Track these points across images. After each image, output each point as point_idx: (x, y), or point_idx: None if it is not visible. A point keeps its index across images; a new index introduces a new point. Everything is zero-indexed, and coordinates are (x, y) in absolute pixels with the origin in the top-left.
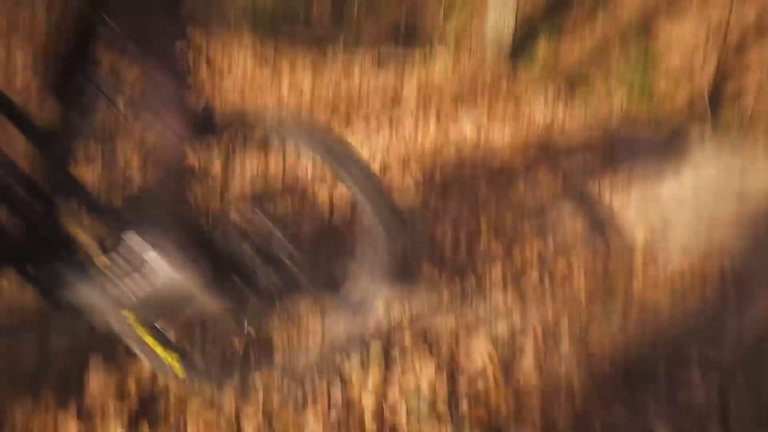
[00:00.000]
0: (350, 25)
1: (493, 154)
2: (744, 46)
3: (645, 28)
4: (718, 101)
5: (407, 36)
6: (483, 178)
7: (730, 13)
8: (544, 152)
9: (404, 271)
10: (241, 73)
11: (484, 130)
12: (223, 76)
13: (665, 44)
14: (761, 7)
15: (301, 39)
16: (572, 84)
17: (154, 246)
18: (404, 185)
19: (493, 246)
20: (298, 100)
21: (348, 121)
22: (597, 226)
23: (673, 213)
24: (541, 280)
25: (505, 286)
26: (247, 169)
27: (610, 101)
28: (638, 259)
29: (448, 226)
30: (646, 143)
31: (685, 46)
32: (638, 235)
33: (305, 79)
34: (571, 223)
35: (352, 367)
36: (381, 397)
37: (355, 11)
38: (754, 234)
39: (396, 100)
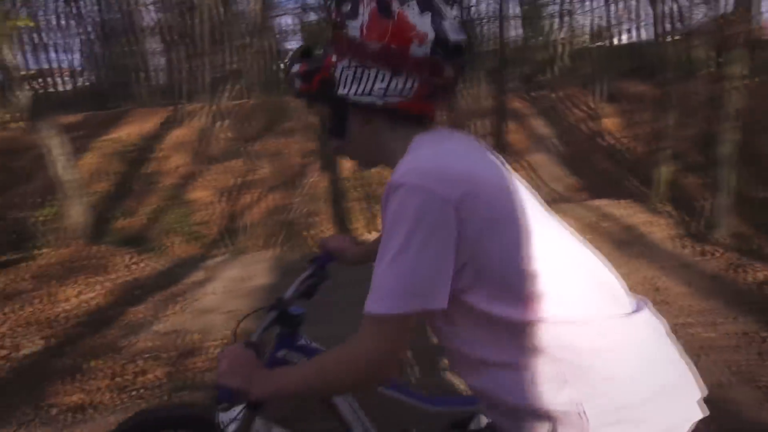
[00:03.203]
0: None
1: (88, 310)
2: (237, 200)
3: (181, 196)
4: (231, 235)
5: (19, 241)
6: (84, 327)
7: (225, 181)
8: (124, 302)
9: None
10: None
11: (82, 293)
12: None
13: (196, 204)
14: (241, 174)
15: None
16: (142, 243)
17: None
18: (32, 343)
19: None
20: None
21: None
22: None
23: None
24: None
25: None
26: None
27: (173, 248)
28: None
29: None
30: (192, 267)
31: (206, 203)
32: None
33: None
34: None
35: None
36: None
37: None
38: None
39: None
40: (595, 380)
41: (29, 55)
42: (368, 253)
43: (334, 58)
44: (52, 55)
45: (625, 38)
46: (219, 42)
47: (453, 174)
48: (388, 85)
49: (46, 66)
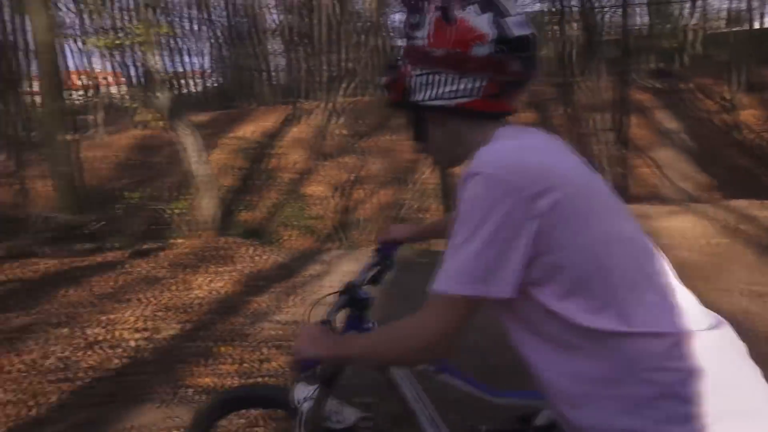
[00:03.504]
0: (120, 233)
1: (218, 298)
2: (350, 195)
3: (298, 191)
4: (344, 229)
5: (157, 231)
6: (214, 314)
7: (339, 177)
8: (249, 292)
9: None
10: None
11: (213, 282)
12: None
13: (311, 199)
14: (354, 170)
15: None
16: (262, 236)
17: None
18: (170, 326)
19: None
20: None
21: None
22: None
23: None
24: None
25: None
26: None
27: (290, 241)
28: None
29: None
30: (309, 260)
31: (320, 198)
32: None
33: None
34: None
35: None
36: None
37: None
38: None
39: (155, 280)
40: (659, 396)
41: (167, 59)
42: (425, 231)
43: (408, 68)
44: (185, 58)
45: None
46: (335, 41)
47: (532, 168)
48: (456, 87)
49: (180, 69)
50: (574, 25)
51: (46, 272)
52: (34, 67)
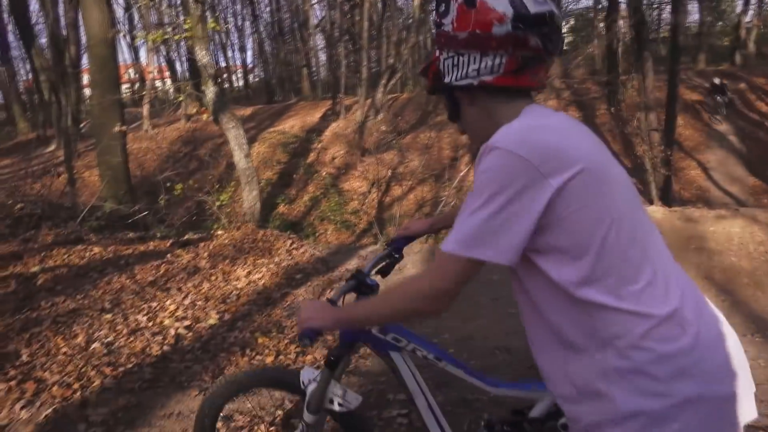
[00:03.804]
0: (164, 223)
1: (256, 289)
2: (388, 191)
3: (336, 186)
4: (381, 225)
5: (198, 222)
6: (253, 305)
7: (377, 172)
8: (287, 284)
9: None
10: None
11: (251, 273)
12: None
13: (349, 194)
14: (392, 166)
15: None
16: (300, 229)
17: None
18: (207, 315)
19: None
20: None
21: (166, 288)
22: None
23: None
24: None
25: None
26: None
27: (326, 235)
28: None
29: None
30: (346, 254)
31: (358, 194)
32: None
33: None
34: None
35: None
36: None
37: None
38: None
39: (196, 270)
40: (651, 375)
41: (213, 54)
42: (441, 221)
43: (438, 53)
44: (230, 53)
45: None
46: (377, 37)
47: (548, 147)
48: (479, 66)
49: (224, 64)
50: (623, 21)
51: (92, 259)
52: (84, 61)
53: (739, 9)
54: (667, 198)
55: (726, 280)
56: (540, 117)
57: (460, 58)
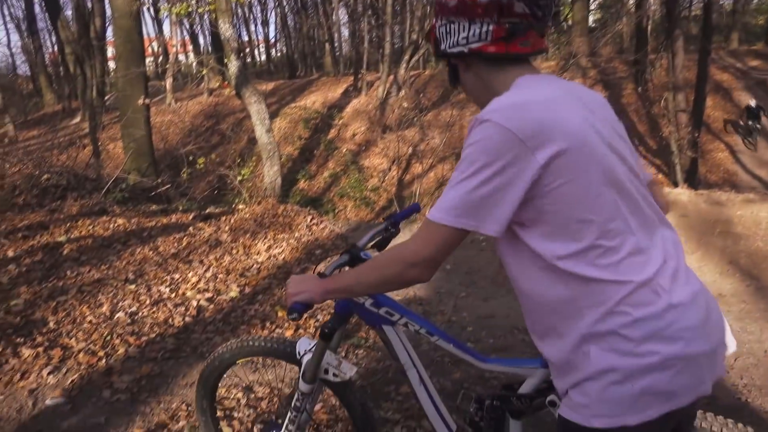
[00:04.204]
0: (186, 196)
1: (276, 263)
2: (408, 168)
3: (357, 162)
4: (401, 202)
5: (219, 196)
6: (273, 278)
7: (398, 150)
8: (306, 260)
9: None
10: None
11: (272, 248)
12: None
13: (369, 171)
14: (413, 144)
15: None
16: (319, 205)
17: None
18: (228, 288)
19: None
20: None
21: (188, 260)
22: None
23: None
24: None
25: None
26: None
27: (345, 212)
28: None
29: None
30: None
31: (378, 171)
32: None
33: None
34: None
35: None
36: None
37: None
38: None
39: (218, 243)
40: (623, 341)
41: (236, 28)
42: None
43: (435, 21)
44: (252, 27)
45: None
46: (401, 12)
47: (536, 121)
48: (468, 34)
49: (246, 38)
50: None
51: (116, 230)
52: (109, 34)
53: None
54: (693, 181)
55: (752, 265)
56: (532, 89)
57: (451, 25)
